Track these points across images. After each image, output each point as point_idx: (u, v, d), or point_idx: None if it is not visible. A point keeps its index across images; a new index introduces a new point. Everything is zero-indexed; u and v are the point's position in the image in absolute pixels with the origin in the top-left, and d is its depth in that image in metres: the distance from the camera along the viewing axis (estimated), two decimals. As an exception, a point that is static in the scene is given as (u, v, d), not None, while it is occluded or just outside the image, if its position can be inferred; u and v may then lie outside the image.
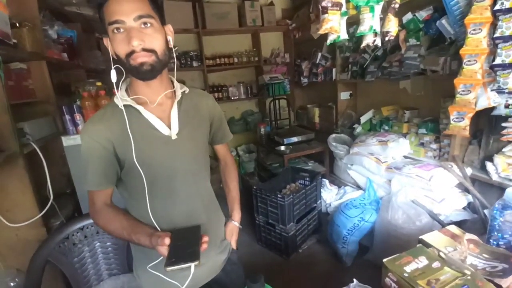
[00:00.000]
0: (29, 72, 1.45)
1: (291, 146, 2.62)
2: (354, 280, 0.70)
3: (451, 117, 1.57)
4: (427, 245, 0.75)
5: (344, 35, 1.27)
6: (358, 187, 2.30)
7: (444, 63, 1.67)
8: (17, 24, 1.28)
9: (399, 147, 2.04)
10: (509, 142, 1.53)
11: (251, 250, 2.19)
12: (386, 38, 1.21)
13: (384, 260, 0.71)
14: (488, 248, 0.72)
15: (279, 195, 1.94)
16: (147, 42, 0.66)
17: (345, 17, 1.25)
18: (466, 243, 0.74)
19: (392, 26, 1.19)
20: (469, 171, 1.69)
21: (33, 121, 1.35)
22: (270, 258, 2.11)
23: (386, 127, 2.29)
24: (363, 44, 1.36)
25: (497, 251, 0.73)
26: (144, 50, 0.66)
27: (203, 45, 3.11)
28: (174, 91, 0.80)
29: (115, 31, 0.65)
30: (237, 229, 0.99)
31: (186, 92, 0.82)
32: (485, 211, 1.44)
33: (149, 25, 0.67)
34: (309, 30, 2.92)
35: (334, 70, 2.70)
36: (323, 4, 1.06)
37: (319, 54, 2.86)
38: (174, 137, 0.76)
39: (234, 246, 0.98)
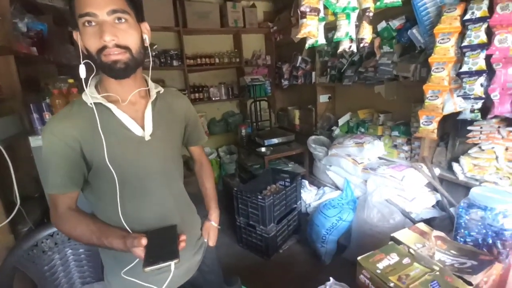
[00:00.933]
0: (-6, 66, 1.36)
1: (271, 148, 2.65)
2: (331, 278, 0.73)
3: (421, 121, 1.67)
4: (398, 242, 0.79)
5: (322, 40, 1.31)
6: (337, 188, 2.37)
7: (414, 70, 1.77)
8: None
9: (374, 148, 2.13)
10: (474, 144, 1.64)
11: (231, 252, 2.19)
12: (361, 45, 1.26)
13: (358, 258, 0.74)
14: (456, 245, 0.77)
15: (259, 196, 1.95)
16: (120, 38, 0.63)
17: (323, 23, 1.29)
18: (434, 240, 0.78)
19: (367, 33, 1.25)
20: (437, 171, 1.80)
21: (-3, 120, 1.26)
22: (251, 259, 2.12)
23: (363, 130, 2.39)
24: (340, 49, 1.41)
25: (464, 248, 0.78)
26: (118, 46, 0.63)
27: (184, 44, 3.06)
28: (148, 91, 0.78)
29: (86, 24, 0.61)
30: (214, 228, 1.00)
31: (161, 92, 0.80)
32: (451, 209, 1.54)
33: (123, 20, 0.63)
34: (290, 33, 2.97)
35: (313, 73, 2.77)
36: (302, 9, 1.09)
37: (299, 58, 2.92)
38: (147, 138, 0.73)
39: (210, 243, 0.98)
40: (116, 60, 0.63)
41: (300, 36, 1.17)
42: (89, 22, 0.61)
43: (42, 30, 1.72)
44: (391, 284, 0.64)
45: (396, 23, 1.78)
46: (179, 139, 0.86)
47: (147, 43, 0.71)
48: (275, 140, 2.74)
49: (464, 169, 1.66)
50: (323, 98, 2.82)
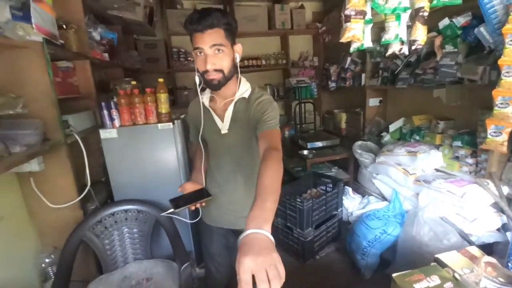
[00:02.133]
0: (74, 70, 1.61)
1: (314, 151, 2.60)
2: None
3: (488, 131, 1.46)
4: (442, 264, 0.72)
5: (368, 43, 1.24)
6: (383, 198, 2.21)
7: (483, 73, 1.56)
8: (64, 26, 1.42)
9: (430, 159, 1.93)
10: (555, 161, 1.38)
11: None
12: (413, 47, 1.16)
13: (394, 275, 0.69)
14: (505, 272, 0.67)
15: (298, 199, 1.93)
16: (217, 64, 0.91)
17: (370, 25, 1.22)
18: (484, 266, 0.69)
19: (420, 34, 1.14)
20: (505, 189, 1.55)
21: (76, 114, 1.50)
22: (285, 261, 2.07)
23: (417, 137, 2.18)
24: (389, 52, 1.32)
25: None
26: (215, 70, 0.91)
27: (233, 47, 3.19)
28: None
29: (198, 54, 0.92)
30: (262, 240, 0.55)
31: (246, 97, 1.03)
32: (508, 233, 1.32)
33: (221, 51, 0.90)
34: (339, 33, 2.87)
35: (363, 75, 2.62)
36: (346, 12, 1.05)
37: (349, 59, 2.80)
38: (224, 131, 1.04)
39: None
40: (213, 79, 0.93)
41: (343, 40, 1.13)
42: (199, 53, 0.91)
43: (113, 38, 1.98)
44: (427, 307, 0.59)
45: (461, 20, 1.58)
46: (250, 133, 1.03)
47: (237, 60, 0.98)
48: (319, 144, 2.68)
49: (541, 190, 1.41)
50: (373, 102, 2.66)
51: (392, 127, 2.41)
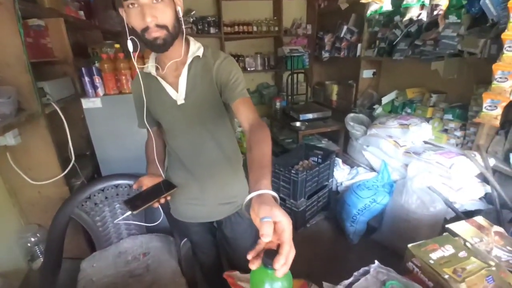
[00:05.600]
0: (47, 30, 1.41)
1: (306, 123, 2.57)
2: (376, 261, 0.71)
3: (484, 105, 1.48)
4: (453, 234, 0.74)
5: (387, 6, 1.16)
6: (371, 169, 2.27)
7: (483, 46, 1.54)
8: (36, -21, 1.22)
9: (421, 131, 1.97)
10: (542, 135, 1.45)
11: (259, 222, 2.26)
12: (435, 12, 1.10)
13: (409, 245, 0.70)
14: None
15: (292, 171, 1.94)
16: (159, 18, 0.71)
17: None
18: (493, 235, 0.72)
19: None
20: (491, 161, 1.63)
21: (53, 81, 1.34)
22: None
23: (409, 110, 2.20)
24: (406, 17, 1.25)
25: None
26: (157, 26, 0.72)
27: (222, 11, 2.95)
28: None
29: (130, 6, 0.70)
30: (270, 198, 0.53)
31: (200, 55, 0.84)
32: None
33: (159, 0, 0.70)
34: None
35: (359, 45, 2.54)
36: (371, -32, 0.95)
37: (345, 27, 2.68)
38: (180, 102, 0.85)
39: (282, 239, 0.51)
40: (156, 37, 0.73)
41: (365, 0, 1.04)
42: (132, 4, 0.70)
43: (89, -6, 1.74)
44: (446, 276, 0.60)
45: (468, -11, 1.52)
46: (216, 101, 0.87)
47: (180, 15, 0.77)
48: (310, 116, 2.65)
49: (525, 161, 1.49)
50: (366, 74, 2.62)
51: (385, 100, 2.41)
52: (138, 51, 0.85)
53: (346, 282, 0.67)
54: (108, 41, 1.88)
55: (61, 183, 1.39)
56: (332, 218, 2.22)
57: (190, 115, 0.87)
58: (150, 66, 0.85)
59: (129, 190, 1.34)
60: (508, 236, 0.73)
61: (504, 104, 1.42)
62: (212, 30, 3.01)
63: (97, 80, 1.40)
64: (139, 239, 1.37)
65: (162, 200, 0.87)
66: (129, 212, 0.81)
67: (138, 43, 0.78)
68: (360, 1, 1.06)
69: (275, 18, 3.24)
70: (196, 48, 0.85)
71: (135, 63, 0.83)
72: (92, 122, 1.46)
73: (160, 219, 1.06)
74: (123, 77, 1.43)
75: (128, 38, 0.76)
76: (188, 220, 1.08)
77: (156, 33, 0.72)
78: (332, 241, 2.08)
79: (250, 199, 0.52)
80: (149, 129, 0.96)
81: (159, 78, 0.85)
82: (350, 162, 2.50)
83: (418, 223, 1.70)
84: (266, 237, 0.45)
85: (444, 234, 0.75)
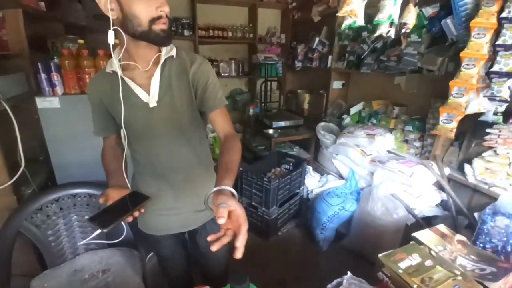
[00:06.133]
0: (4, 21, 1.26)
1: (279, 130, 2.60)
2: (348, 272, 0.71)
3: (441, 118, 1.61)
4: (419, 242, 0.78)
5: (361, 21, 1.22)
6: (340, 177, 2.35)
7: (441, 64, 1.69)
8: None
9: (385, 141, 2.09)
10: (489, 147, 1.61)
11: (231, 230, 2.21)
12: (403, 30, 1.17)
13: (380, 255, 0.72)
14: (476, 250, 0.76)
15: (265, 179, 1.93)
16: (168, 8, 0.71)
17: (364, 2, 1.19)
18: (456, 243, 0.77)
19: (411, 17, 1.15)
20: (447, 170, 1.78)
21: (4, 77, 1.20)
22: (249, 239, 2.06)
23: (374, 121, 2.33)
24: (377, 33, 1.32)
25: (484, 254, 0.76)
26: (167, 17, 0.71)
27: (197, 13, 2.90)
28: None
29: None
30: (227, 194, 0.63)
31: (174, 56, 0.80)
32: (475, 214, 1.53)
33: None
34: (309, 11, 2.82)
35: (330, 57, 2.65)
36: (346, -16, 0.99)
37: (317, 39, 2.78)
38: (152, 104, 0.79)
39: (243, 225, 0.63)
40: (164, 29, 0.71)
41: (341, 14, 1.08)
42: None
43: (51, -18, 1.60)
44: (415, 286, 0.62)
45: (429, 11, 1.66)
46: (190, 104, 0.83)
47: None
48: (283, 123, 2.69)
49: (475, 171, 1.64)
50: (336, 84, 2.73)
51: (353, 110, 2.53)
52: (123, 48, 0.76)
53: (321, 294, 0.67)
54: (71, 35, 1.73)
55: (8, 192, 1.23)
56: (303, 225, 2.25)
57: (165, 118, 0.81)
58: (115, 66, 0.75)
59: (89, 200, 1.23)
60: (470, 244, 0.78)
61: (460, 118, 1.56)
62: (186, 33, 2.94)
63: (55, 77, 1.28)
64: (99, 255, 1.25)
65: (136, 213, 0.75)
66: (99, 231, 0.69)
67: (122, 38, 0.72)
68: (337, 14, 1.10)
69: (250, 25, 3.26)
70: (169, 48, 0.80)
71: (114, 59, 0.74)
72: (48, 123, 1.33)
73: (124, 234, 0.94)
74: (86, 76, 1.32)
75: (111, 29, 0.69)
76: (160, 233, 0.99)
77: (165, 25, 0.70)
78: (303, 248, 2.10)
79: (212, 193, 0.63)
80: (108, 136, 0.90)
81: (126, 79, 0.77)
82: (321, 170, 2.56)
83: (383, 229, 1.79)
84: (221, 219, 0.55)
85: (411, 242, 0.78)
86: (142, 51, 0.76)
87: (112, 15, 0.68)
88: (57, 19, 1.75)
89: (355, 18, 1.10)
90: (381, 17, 1.20)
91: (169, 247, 1.06)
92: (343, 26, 1.21)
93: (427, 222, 1.82)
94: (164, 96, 0.79)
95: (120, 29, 0.69)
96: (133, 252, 1.26)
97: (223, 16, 3.15)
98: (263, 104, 3.10)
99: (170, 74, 0.79)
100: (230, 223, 0.59)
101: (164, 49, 0.79)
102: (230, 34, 3.12)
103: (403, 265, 0.69)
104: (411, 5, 1.12)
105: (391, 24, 1.22)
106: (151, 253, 1.10)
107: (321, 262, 1.95)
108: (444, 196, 1.79)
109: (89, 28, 2.18)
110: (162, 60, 0.78)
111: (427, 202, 1.83)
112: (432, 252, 0.73)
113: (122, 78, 0.76)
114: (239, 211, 0.58)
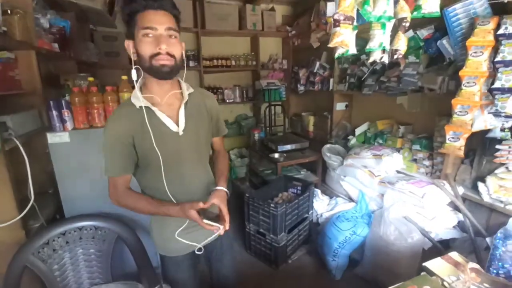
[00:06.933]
0: (17, 61, 1.36)
1: (285, 154, 2.60)
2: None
3: (447, 137, 1.59)
4: (430, 273, 0.73)
5: (353, 50, 1.26)
6: (350, 199, 2.29)
7: (442, 82, 1.69)
8: (9, 11, 1.20)
9: (393, 161, 2.05)
10: (501, 164, 1.55)
11: (239, 258, 2.14)
12: (395, 56, 1.20)
13: (389, 288, 0.68)
14: (489, 278, 0.71)
15: (271, 204, 1.90)
16: (170, 48, 0.82)
17: (355, 31, 1.23)
18: (469, 272, 0.72)
19: (402, 44, 1.19)
20: (460, 190, 1.71)
21: (17, 115, 1.26)
22: (259, 268, 2.07)
23: (381, 141, 2.31)
24: (370, 60, 1.36)
25: (497, 281, 0.71)
26: (168, 54, 0.81)
27: (201, 45, 3.05)
28: (181, 92, 0.97)
29: (146, 36, 0.80)
30: (224, 194, 0.98)
31: (192, 93, 0.98)
32: (487, 239, 1.45)
33: (174, 37, 0.83)
34: (308, 38, 2.93)
35: (331, 80, 2.70)
36: (336, 17, 1.04)
37: (317, 63, 2.86)
38: (181, 133, 0.93)
39: (224, 210, 0.93)
40: (164, 64, 0.82)
41: (332, 45, 1.12)
42: (148, 34, 0.80)
43: (65, 27, 1.73)
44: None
45: (424, 33, 1.70)
46: (207, 132, 1.04)
47: (183, 56, 0.90)
48: (288, 147, 2.69)
49: (489, 189, 1.57)
50: (340, 106, 2.75)
51: (358, 131, 2.52)
52: (139, 80, 0.90)
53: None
54: (82, 73, 1.84)
55: (17, 226, 1.24)
56: (314, 252, 2.16)
57: (188, 144, 0.96)
58: (141, 101, 0.86)
59: (95, 233, 1.23)
60: (484, 272, 0.73)
61: (466, 135, 1.53)
62: (191, 63, 3.08)
63: (66, 113, 1.34)
64: (103, 289, 1.23)
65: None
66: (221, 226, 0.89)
67: (140, 74, 0.86)
68: (328, 45, 1.14)
69: (252, 53, 3.40)
70: (186, 85, 0.97)
71: (137, 92, 0.87)
72: (57, 157, 1.37)
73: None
74: (95, 111, 1.38)
75: (133, 68, 0.84)
76: (183, 253, 1.05)
77: (165, 61, 0.82)
78: (315, 277, 2.00)
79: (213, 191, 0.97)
80: (125, 176, 0.92)
81: (157, 111, 0.89)
82: (329, 192, 2.51)
83: (398, 255, 1.70)
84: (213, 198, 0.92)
85: (422, 273, 0.74)
86: (156, 86, 0.90)
87: (133, 57, 0.84)
88: (70, 58, 1.87)
89: (347, 48, 1.14)
90: (372, 45, 1.24)
91: (188, 269, 1.09)
92: (336, 55, 1.25)
93: (445, 245, 1.72)
94: (187, 125, 0.94)
95: (139, 67, 0.84)
96: (138, 286, 1.23)
97: (226, 46, 3.30)
98: (268, 129, 3.13)
99: (191, 106, 0.96)
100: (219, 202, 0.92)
101: (183, 86, 0.96)
102: (233, 62, 3.25)
103: (414, 298, 0.64)
104: (400, 33, 1.16)
105: (384, 50, 1.26)
106: (157, 286, 1.07)
107: (335, 293, 1.85)
108: (461, 216, 1.71)
109: (101, 65, 2.32)
110: (186, 95, 0.94)
111: (443, 224, 1.74)
112: (445, 283, 0.69)
113: (150, 109, 0.88)
114: (223, 195, 0.96)
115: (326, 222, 2.16)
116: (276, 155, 2.56)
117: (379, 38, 1.21)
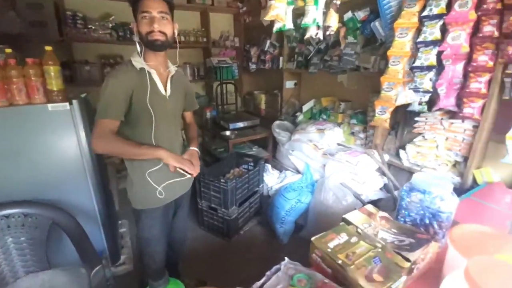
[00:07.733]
0: None
1: (236, 131, 2.64)
2: (286, 258, 0.76)
3: (376, 110, 1.78)
4: (348, 223, 0.86)
5: (289, 25, 1.30)
6: (298, 172, 2.46)
7: (374, 62, 1.87)
8: None
9: (334, 135, 2.24)
10: (419, 133, 1.81)
11: (193, 235, 2.19)
12: (327, 32, 1.28)
13: (312, 238, 0.78)
14: (397, 224, 0.85)
15: (222, 180, 1.95)
16: (162, 27, 1.05)
17: (292, 7, 1.27)
18: (379, 220, 0.86)
19: (333, 21, 1.26)
20: (386, 157, 1.97)
21: None
22: (212, 241, 2.14)
23: (325, 117, 2.48)
24: (307, 35, 1.42)
25: (404, 227, 0.85)
26: (160, 31, 1.04)
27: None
28: (168, 67, 1.20)
29: (144, 18, 1.03)
30: (195, 152, 1.28)
31: (176, 70, 1.23)
32: (396, 192, 1.70)
33: (165, 18, 1.06)
34: (259, 15, 2.90)
35: (281, 58, 2.76)
36: (270, -9, 1.06)
37: (268, 42, 2.88)
38: (167, 97, 1.17)
39: (197, 166, 1.22)
40: (157, 39, 1.05)
41: (267, 18, 1.14)
42: (145, 17, 1.03)
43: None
44: (339, 261, 0.69)
45: (361, 14, 1.83)
46: (182, 103, 1.30)
47: (175, 34, 1.13)
48: (240, 124, 2.73)
49: (408, 156, 1.84)
50: (289, 84, 2.85)
51: (305, 108, 2.66)
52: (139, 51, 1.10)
53: (258, 283, 0.70)
54: (2, 45, 1.57)
55: None
56: (265, 222, 2.31)
57: (172, 106, 1.20)
58: (142, 64, 1.09)
59: (24, 220, 1.14)
60: (392, 219, 0.88)
61: (391, 109, 1.74)
62: (135, 38, 2.83)
63: (-24, 88, 1.16)
64: (40, 277, 1.17)
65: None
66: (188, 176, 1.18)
67: (141, 47, 1.09)
68: (264, 18, 1.17)
69: (203, 29, 3.25)
70: (169, 62, 1.20)
71: (140, 59, 1.09)
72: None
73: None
74: (14, 87, 1.22)
75: (137, 42, 1.09)
76: (163, 203, 1.24)
77: (157, 36, 1.04)
78: (265, 244, 2.15)
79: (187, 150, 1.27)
80: (117, 120, 1.06)
81: (154, 74, 1.11)
82: (279, 167, 2.65)
83: (335, 217, 1.91)
84: (186, 155, 1.23)
85: (341, 223, 0.86)
86: (153, 56, 1.11)
87: (136, 33, 1.07)
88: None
89: (283, 22, 1.18)
90: (307, 20, 1.31)
91: (161, 224, 1.28)
92: (274, 29, 1.29)
93: (374, 205, 1.98)
94: (172, 91, 1.18)
95: (140, 41, 1.07)
96: (79, 271, 1.19)
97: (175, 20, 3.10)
98: (220, 107, 3.11)
99: (175, 80, 1.21)
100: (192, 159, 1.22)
101: (169, 63, 1.19)
102: (182, 38, 3.08)
103: (332, 244, 0.76)
104: (331, 10, 1.24)
105: (318, 27, 1.33)
106: (98, 267, 1.05)
107: (282, 256, 2.01)
108: (386, 180, 1.98)
109: (25, 37, 2.00)
110: (172, 70, 1.19)
111: (372, 187, 2.00)
112: (359, 230, 0.82)
113: (149, 73, 1.10)
114: (196, 153, 1.27)
115: (276, 194, 2.31)
116: (228, 133, 2.59)
117: (313, 14, 1.27)
